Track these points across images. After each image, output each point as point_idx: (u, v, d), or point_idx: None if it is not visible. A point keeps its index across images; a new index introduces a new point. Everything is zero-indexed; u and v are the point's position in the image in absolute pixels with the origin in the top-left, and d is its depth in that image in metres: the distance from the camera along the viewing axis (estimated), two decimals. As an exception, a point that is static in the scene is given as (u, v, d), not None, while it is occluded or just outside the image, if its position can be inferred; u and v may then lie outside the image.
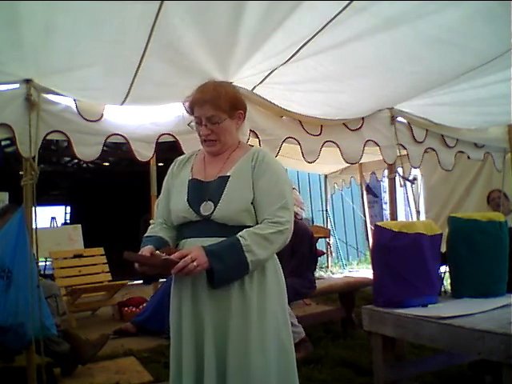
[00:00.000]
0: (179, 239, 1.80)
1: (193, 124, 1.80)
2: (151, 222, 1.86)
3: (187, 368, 1.63)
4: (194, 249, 1.59)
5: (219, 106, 1.71)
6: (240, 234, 1.63)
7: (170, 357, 1.74)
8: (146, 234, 1.81)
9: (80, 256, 5.85)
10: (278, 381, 1.63)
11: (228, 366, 1.59)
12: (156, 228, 1.83)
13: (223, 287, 1.62)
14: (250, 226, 1.67)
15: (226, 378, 1.59)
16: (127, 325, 4.58)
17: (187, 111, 1.83)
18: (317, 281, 4.13)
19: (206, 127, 1.73)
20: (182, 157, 1.93)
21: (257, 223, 1.69)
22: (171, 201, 1.80)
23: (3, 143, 6.75)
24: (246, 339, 1.61)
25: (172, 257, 1.57)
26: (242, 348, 1.60)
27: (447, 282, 2.72)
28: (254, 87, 3.08)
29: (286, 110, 3.31)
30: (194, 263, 1.54)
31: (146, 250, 1.64)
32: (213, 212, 1.67)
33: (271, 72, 2.84)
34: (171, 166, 1.91)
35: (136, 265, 1.64)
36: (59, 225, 10.72)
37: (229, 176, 1.73)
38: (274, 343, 1.65)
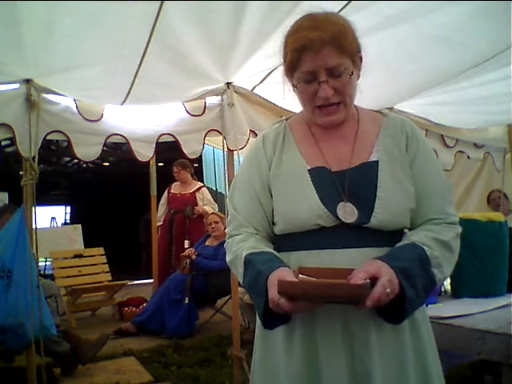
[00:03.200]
0: (284, 250, 1.22)
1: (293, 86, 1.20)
2: (226, 231, 1.30)
3: None
4: (377, 266, 1.04)
5: (346, 49, 1.11)
6: (420, 240, 1.13)
7: None
8: (245, 251, 1.18)
9: (80, 256, 5.86)
10: None
11: None
12: (250, 240, 1.21)
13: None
14: (405, 229, 1.21)
15: None
16: (127, 325, 4.59)
17: (284, 70, 1.20)
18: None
19: (328, 84, 1.12)
20: (270, 134, 1.28)
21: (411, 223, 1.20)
22: (281, 200, 1.21)
23: (3, 143, 6.72)
24: None
25: (351, 279, 1.02)
26: None
27: (447, 282, 2.72)
28: (254, 87, 3.08)
29: (286, 110, 3.30)
30: (388, 289, 1.01)
31: (281, 272, 1.08)
32: (360, 218, 1.14)
33: (271, 72, 2.83)
34: (258, 147, 1.27)
35: (281, 300, 1.02)
36: (59, 225, 10.67)
37: (377, 162, 1.18)
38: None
